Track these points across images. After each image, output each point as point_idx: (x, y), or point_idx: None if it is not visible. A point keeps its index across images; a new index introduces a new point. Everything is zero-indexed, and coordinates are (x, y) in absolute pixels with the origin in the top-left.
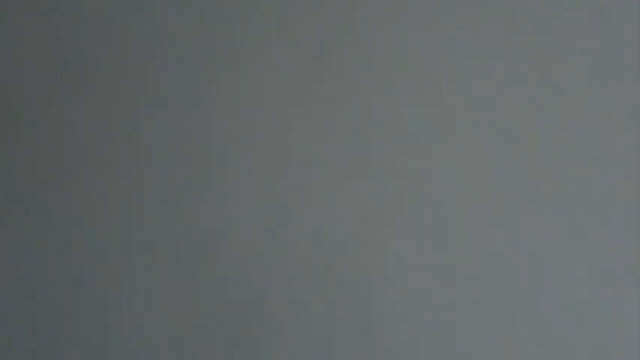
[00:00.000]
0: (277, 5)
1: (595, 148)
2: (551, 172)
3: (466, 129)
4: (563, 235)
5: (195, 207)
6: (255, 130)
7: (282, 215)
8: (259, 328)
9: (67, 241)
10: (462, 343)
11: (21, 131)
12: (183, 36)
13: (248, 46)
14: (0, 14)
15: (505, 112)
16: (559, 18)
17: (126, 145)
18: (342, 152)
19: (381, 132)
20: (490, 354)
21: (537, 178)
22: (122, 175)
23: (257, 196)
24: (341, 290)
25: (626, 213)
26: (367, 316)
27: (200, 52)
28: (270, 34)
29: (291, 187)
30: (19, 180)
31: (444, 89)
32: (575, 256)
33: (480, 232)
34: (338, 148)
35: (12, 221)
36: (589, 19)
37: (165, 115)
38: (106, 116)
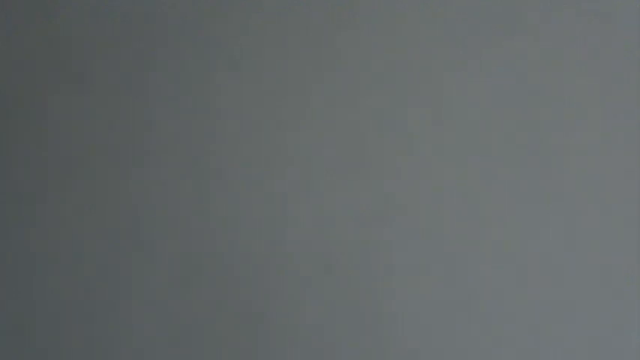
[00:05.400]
0: (277, 5)
1: (595, 148)
2: (552, 172)
3: (466, 129)
4: (563, 235)
5: (195, 207)
6: (255, 130)
7: (282, 215)
8: (259, 328)
9: (67, 241)
10: (462, 342)
11: (21, 131)
12: (183, 36)
13: (248, 46)
14: (0, 14)
15: (505, 112)
16: (559, 18)
17: (126, 145)
18: (342, 152)
19: (381, 132)
20: (490, 354)
21: (537, 178)
22: (122, 175)
23: (257, 196)
24: (341, 290)
25: (626, 213)
26: (367, 316)
27: (200, 52)
28: (270, 33)
29: (291, 187)
30: (20, 179)
31: (444, 89)
32: (575, 256)
33: (480, 232)
34: (338, 148)
35: (12, 221)
36: (589, 19)
37: (165, 114)
38: (105, 116)
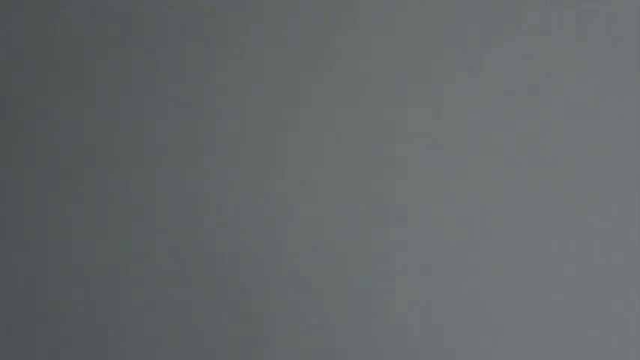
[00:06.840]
0: (277, 5)
1: (595, 148)
2: (552, 172)
3: (466, 129)
4: (564, 235)
5: (195, 207)
6: (255, 130)
7: (282, 215)
8: (259, 328)
9: (67, 241)
10: (462, 342)
11: (21, 131)
12: (183, 36)
13: (248, 46)
14: (0, 14)
15: (505, 112)
16: (559, 18)
17: (126, 145)
18: (342, 152)
19: (381, 132)
20: (490, 354)
21: (537, 177)
22: (122, 175)
23: (257, 196)
24: (341, 290)
25: (626, 213)
26: (367, 316)
27: (200, 52)
28: (270, 33)
29: (291, 187)
30: (20, 180)
31: (444, 89)
32: (575, 256)
33: (480, 231)
34: (338, 148)
35: (12, 221)
36: (589, 19)
37: (166, 115)
38: (105, 117)
